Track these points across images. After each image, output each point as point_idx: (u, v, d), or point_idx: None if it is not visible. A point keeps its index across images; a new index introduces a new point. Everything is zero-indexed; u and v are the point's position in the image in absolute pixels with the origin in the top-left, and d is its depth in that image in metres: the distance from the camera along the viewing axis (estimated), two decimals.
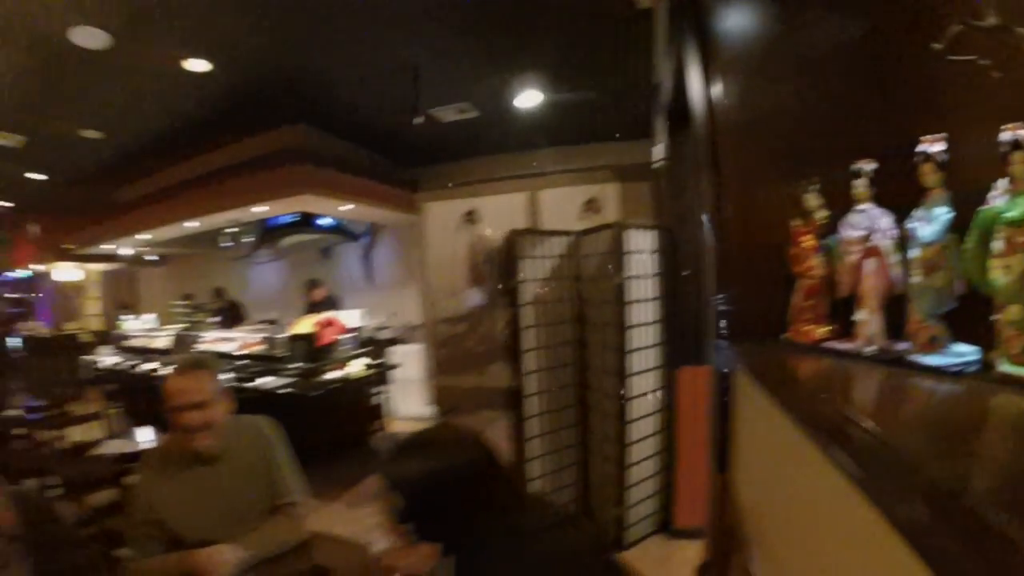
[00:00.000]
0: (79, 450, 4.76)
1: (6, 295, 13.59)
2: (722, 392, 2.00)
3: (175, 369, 2.24)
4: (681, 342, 3.71)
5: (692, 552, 2.93)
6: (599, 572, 1.33)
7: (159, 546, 2.18)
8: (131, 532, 2.22)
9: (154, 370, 7.46)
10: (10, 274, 13.04)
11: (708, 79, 2.16)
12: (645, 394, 3.66)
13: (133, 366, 7.93)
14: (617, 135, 7.60)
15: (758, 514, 1.57)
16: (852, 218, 1.24)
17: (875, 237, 1.17)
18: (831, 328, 1.36)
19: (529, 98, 6.34)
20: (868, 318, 1.17)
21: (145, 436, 4.84)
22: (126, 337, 9.00)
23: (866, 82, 1.30)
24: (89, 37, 4.39)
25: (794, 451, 1.03)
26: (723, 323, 1.94)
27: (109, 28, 4.26)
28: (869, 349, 1.15)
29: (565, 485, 4.05)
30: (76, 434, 5.61)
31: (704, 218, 2.25)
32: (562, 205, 7.34)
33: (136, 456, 4.06)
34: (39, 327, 12.41)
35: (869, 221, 1.19)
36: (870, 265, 1.18)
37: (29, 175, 8.48)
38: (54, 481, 4.16)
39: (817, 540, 1.00)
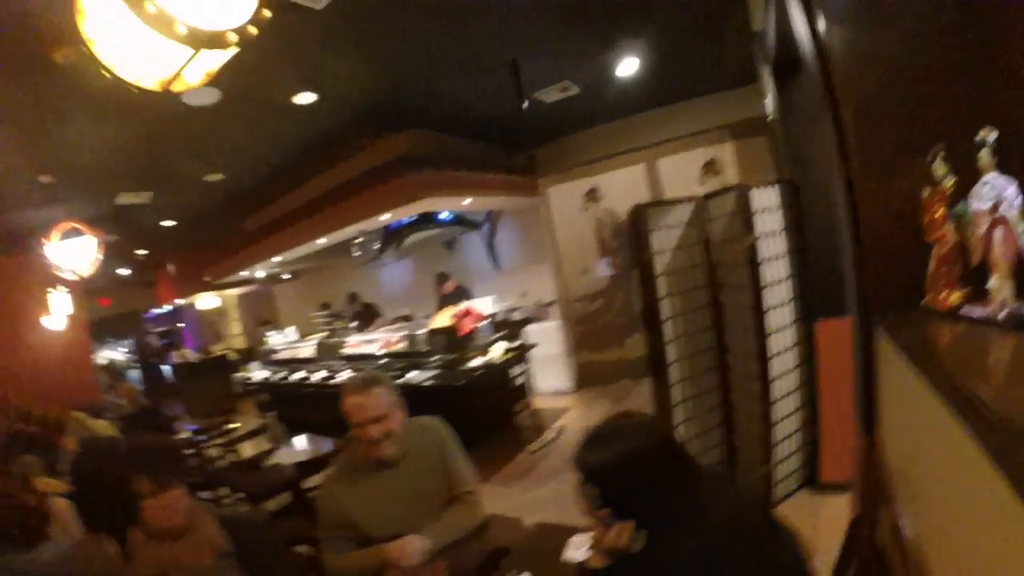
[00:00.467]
0: (254, 463, 5.44)
1: (155, 330, 15.13)
2: (865, 354, 2.02)
3: (352, 389, 2.53)
4: (816, 296, 3.77)
5: (840, 506, 2.90)
6: (765, 531, 1.46)
7: (351, 544, 2.52)
8: (324, 534, 2.57)
9: (304, 379, 8.21)
10: (155, 311, 14.46)
11: (814, 27, 2.07)
12: (785, 351, 3.74)
13: (283, 377, 8.69)
14: (724, 86, 7.54)
15: (905, 473, 1.58)
16: (978, 190, 1.31)
17: (1002, 207, 1.24)
18: (965, 293, 1.40)
19: (628, 66, 6.40)
20: (1000, 285, 1.24)
21: (304, 443, 5.46)
22: (272, 351, 9.84)
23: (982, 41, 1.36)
24: (202, 97, 4.81)
25: (937, 418, 1.08)
26: (857, 283, 1.95)
27: (219, 85, 4.63)
28: (1003, 315, 1.20)
29: (712, 447, 4.19)
30: (246, 449, 6.40)
31: (829, 175, 2.31)
32: (681, 171, 7.40)
33: (309, 464, 4.70)
34: (188, 353, 13.78)
35: (995, 191, 1.26)
36: (999, 234, 1.25)
37: (162, 223, 9.35)
38: (230, 492, 4.85)
39: (962, 504, 1.06)
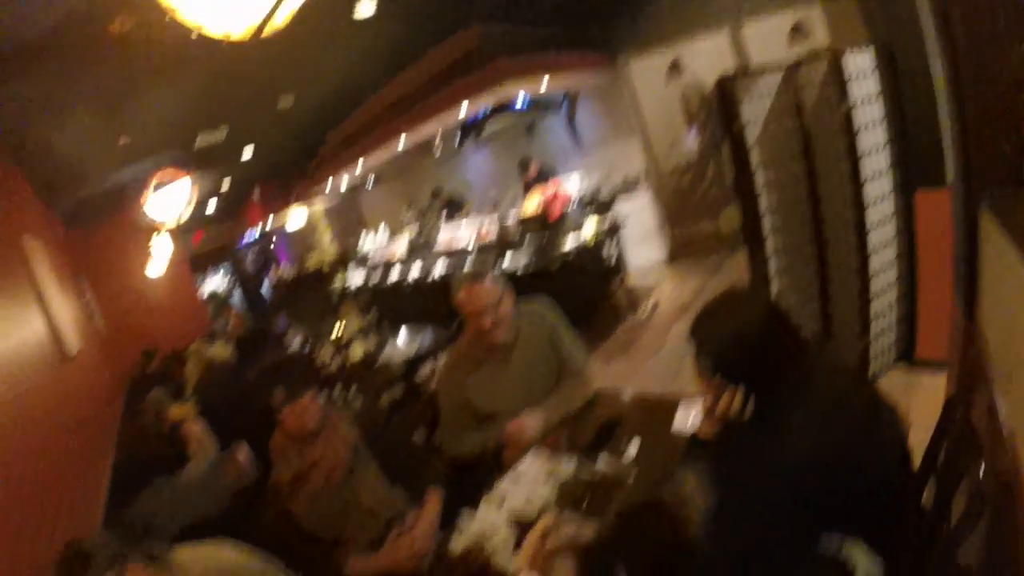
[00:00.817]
0: (366, 362, 5.84)
1: (249, 255, 15.87)
2: (966, 231, 1.94)
3: (463, 282, 2.75)
4: (915, 165, 3.63)
5: (935, 384, 2.94)
6: (869, 403, 1.53)
7: (470, 427, 2.82)
8: (445, 419, 2.88)
9: (400, 278, 8.58)
10: (246, 237, 15.09)
11: None
12: (883, 222, 3.66)
13: (381, 279, 9.11)
14: None
15: (1003, 356, 1.56)
16: None
17: None
18: None
19: None
20: None
21: (409, 338, 5.80)
22: (366, 256, 10.20)
23: None
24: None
25: None
26: (961, 158, 1.88)
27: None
28: None
29: (808, 320, 4.15)
30: (356, 351, 6.82)
31: (927, 35, 2.18)
32: (767, 37, 6.99)
33: (416, 358, 5.02)
34: (284, 270, 14.48)
35: None
36: None
37: (242, 155, 9.62)
38: (347, 392, 5.23)
39: None
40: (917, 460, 1.67)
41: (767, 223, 4.02)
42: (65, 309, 4.72)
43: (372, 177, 12.80)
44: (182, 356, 7.39)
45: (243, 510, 3.39)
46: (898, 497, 1.50)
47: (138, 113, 5.45)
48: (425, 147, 10.14)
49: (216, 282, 14.52)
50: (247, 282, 14.63)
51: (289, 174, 11.68)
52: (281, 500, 2.38)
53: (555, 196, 6.99)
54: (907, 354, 3.87)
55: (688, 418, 2.43)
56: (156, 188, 5.33)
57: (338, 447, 2.45)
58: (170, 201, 5.34)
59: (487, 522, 2.17)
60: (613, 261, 6.94)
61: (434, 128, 8.87)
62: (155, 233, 8.16)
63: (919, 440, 1.70)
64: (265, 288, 14.34)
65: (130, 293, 8.51)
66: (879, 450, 1.29)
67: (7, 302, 3.42)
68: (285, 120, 8.48)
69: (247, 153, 9.68)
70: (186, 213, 5.40)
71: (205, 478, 3.39)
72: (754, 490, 1.15)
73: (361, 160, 9.88)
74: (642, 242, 8.10)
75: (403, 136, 8.82)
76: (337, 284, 10.86)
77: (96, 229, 8.17)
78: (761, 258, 4.05)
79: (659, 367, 5.60)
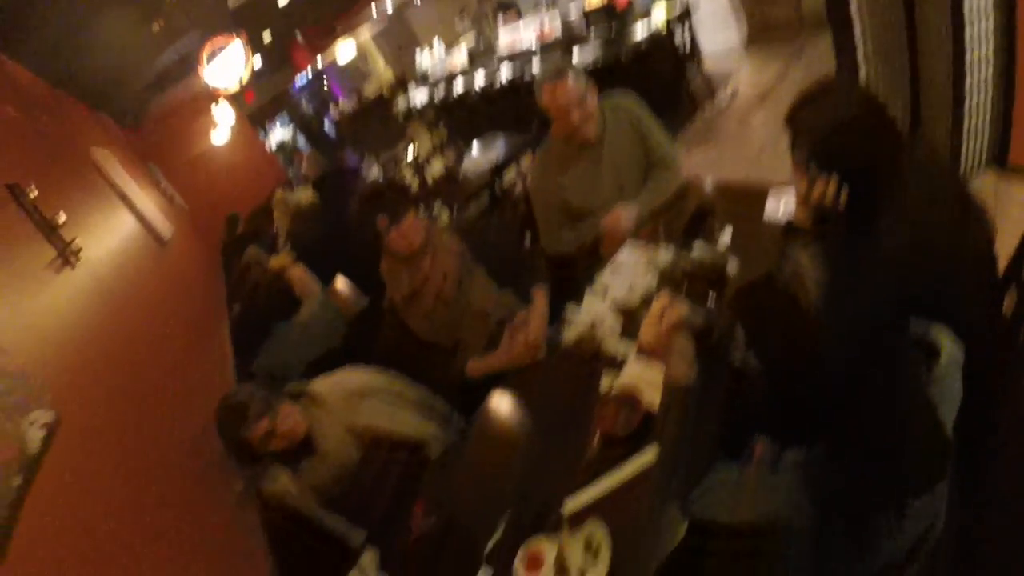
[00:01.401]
0: (448, 176, 5.95)
1: (304, 97, 15.71)
2: None
3: (546, 80, 2.74)
4: None
5: None
6: (962, 201, 1.50)
7: (566, 224, 2.94)
8: (541, 219, 3.01)
9: (466, 89, 8.45)
10: (298, 82, 14.86)
11: None
12: (982, 13, 3.25)
13: (445, 93, 8.98)
14: None
15: None
16: None
17: None
18: None
19: None
20: None
21: (484, 147, 5.86)
22: (425, 73, 9.98)
23: None
24: None
25: None
26: None
27: None
28: None
29: (898, 112, 3.83)
30: (435, 168, 6.91)
31: None
32: None
33: (497, 166, 5.07)
34: (343, 105, 14.42)
35: None
36: None
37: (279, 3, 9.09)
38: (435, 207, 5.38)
39: None
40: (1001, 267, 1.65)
41: (854, 4, 3.64)
42: (148, 202, 5.00)
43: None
44: (267, 208, 7.73)
45: (361, 336, 3.72)
46: (982, 296, 1.52)
47: None
48: None
49: (279, 134, 14.61)
50: (308, 125, 14.67)
51: (330, 12, 11.21)
52: (399, 317, 2.59)
53: None
54: (1000, 158, 3.61)
55: (779, 206, 2.45)
56: (210, 58, 5.32)
57: (446, 259, 2.59)
58: (227, 66, 5.35)
59: (594, 311, 2.33)
60: (687, 48, 6.61)
61: None
62: (213, 103, 8.24)
63: (1004, 248, 1.67)
64: (328, 127, 14.37)
65: (201, 167, 8.76)
66: (967, 245, 1.29)
67: (97, 212, 3.65)
68: None
69: (283, 1, 9.32)
70: (246, 74, 5.40)
71: (319, 315, 3.68)
72: (856, 272, 1.18)
73: None
74: (716, 26, 7.57)
75: None
76: (401, 106, 10.79)
77: (153, 119, 8.29)
78: (848, 43, 3.73)
79: (742, 154, 5.50)
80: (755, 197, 2.58)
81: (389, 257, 2.61)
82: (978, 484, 1.33)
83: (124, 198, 4.23)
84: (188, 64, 6.51)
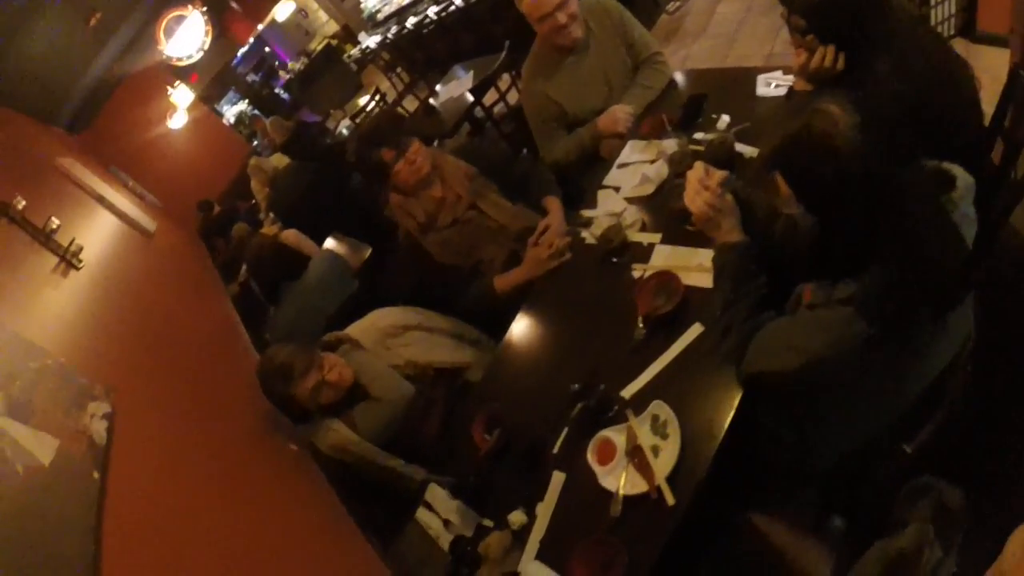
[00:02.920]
0: (428, 110, 5.84)
1: (247, 70, 15.26)
2: None
3: None
4: None
5: (996, 58, 2.85)
6: (947, 56, 1.69)
7: (563, 130, 2.94)
8: (542, 129, 2.99)
9: (422, 19, 8.17)
10: (239, 53, 14.37)
11: None
12: None
13: (400, 30, 8.73)
14: None
15: None
16: None
17: None
18: None
19: None
20: None
21: (460, 74, 5.74)
22: (375, 13, 9.78)
23: None
24: None
25: None
26: None
27: None
28: None
29: None
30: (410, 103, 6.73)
31: None
32: None
33: (478, 87, 5.00)
34: (292, 65, 14.07)
35: None
36: None
37: None
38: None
39: None
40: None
41: None
42: (124, 200, 4.91)
43: None
44: (239, 186, 7.62)
45: (374, 281, 3.74)
46: (978, 137, 1.70)
47: None
48: None
49: (233, 108, 14.27)
50: (259, 96, 14.31)
51: None
52: (417, 249, 2.59)
53: None
54: (967, 29, 3.63)
55: (770, 83, 2.51)
56: (167, 32, 5.16)
57: (456, 181, 2.59)
58: (187, 37, 5.20)
59: (612, 206, 2.36)
60: None
61: None
62: (167, 87, 7.99)
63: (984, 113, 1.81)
64: (279, 92, 14.05)
65: (164, 158, 8.44)
66: (959, 89, 1.42)
67: (82, 216, 3.61)
68: None
69: None
70: (207, 43, 5.26)
71: (328, 268, 3.68)
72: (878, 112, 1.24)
73: None
74: None
75: None
76: (353, 54, 10.56)
77: (106, 120, 8.00)
78: None
79: (712, 46, 5.49)
80: (743, 80, 2.66)
81: (396, 191, 2.60)
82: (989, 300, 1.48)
83: (102, 200, 4.18)
84: (132, 55, 6.31)
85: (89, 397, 1.57)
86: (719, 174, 1.59)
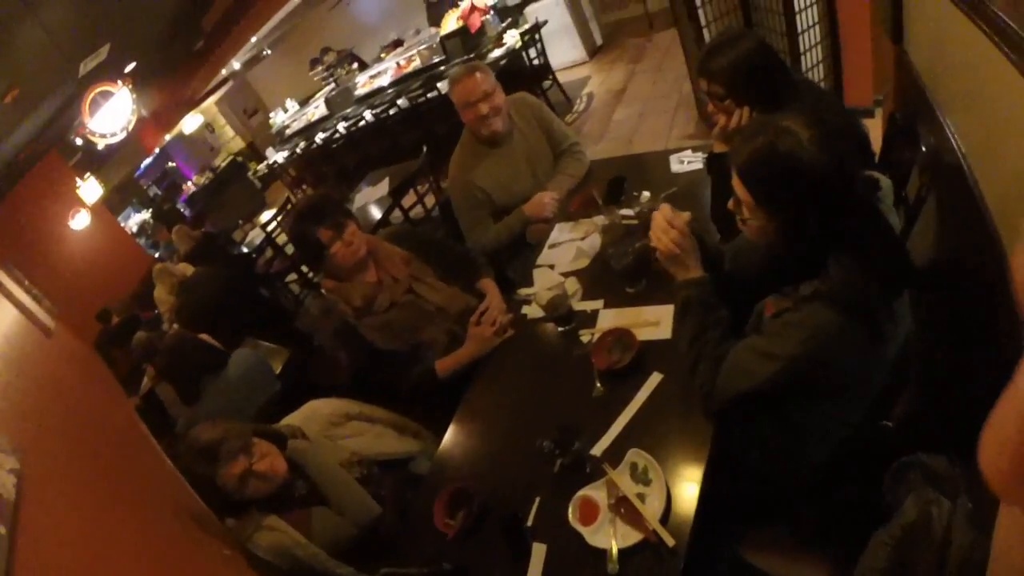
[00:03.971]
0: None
1: (150, 183, 14.90)
2: None
3: (459, 76, 2.86)
4: None
5: (869, 126, 3.27)
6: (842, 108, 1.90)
7: (490, 219, 3.02)
8: (470, 218, 3.04)
9: (330, 136, 8.28)
10: (143, 165, 14.05)
11: None
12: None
13: (308, 146, 8.76)
14: None
15: (936, 82, 1.93)
16: None
17: None
18: None
19: None
20: None
21: (371, 182, 5.76)
22: (283, 130, 9.78)
23: None
24: None
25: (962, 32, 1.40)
26: None
27: None
28: None
29: None
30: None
31: None
32: None
33: (396, 190, 5.03)
34: (196, 179, 13.81)
35: None
36: None
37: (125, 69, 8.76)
38: None
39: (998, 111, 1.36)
40: None
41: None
42: (24, 295, 4.57)
43: (266, 48, 12.01)
44: (140, 296, 7.25)
45: (298, 381, 3.55)
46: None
47: (14, 60, 4.89)
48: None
49: (136, 218, 13.76)
50: (160, 209, 13.92)
51: (176, 80, 10.71)
52: (353, 333, 2.42)
53: (472, 8, 6.87)
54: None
55: (682, 160, 2.73)
56: (92, 108, 4.94)
57: (392, 264, 2.51)
58: (114, 114, 4.98)
59: (550, 281, 2.35)
60: (541, 60, 6.92)
61: None
62: (75, 180, 7.66)
63: None
64: (181, 207, 13.68)
65: (63, 261, 8.01)
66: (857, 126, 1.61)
67: None
68: (162, 18, 7.67)
69: (129, 68, 8.79)
70: (132, 121, 5.05)
71: (251, 365, 3.46)
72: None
73: (253, 31, 9.09)
74: (563, 40, 8.02)
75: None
76: (260, 169, 10.54)
77: (4, 209, 7.57)
78: (696, 31, 4.34)
79: (610, 148, 5.85)
80: (656, 161, 2.89)
81: (329, 277, 2.49)
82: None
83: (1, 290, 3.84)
84: (40, 143, 6.00)
85: None
86: (684, 215, 1.65)
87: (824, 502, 1.72)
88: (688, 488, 1.47)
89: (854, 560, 1.28)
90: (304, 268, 6.71)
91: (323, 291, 2.55)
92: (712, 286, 1.62)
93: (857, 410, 1.56)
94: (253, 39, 9.58)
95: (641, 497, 1.48)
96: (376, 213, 5.14)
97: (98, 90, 4.80)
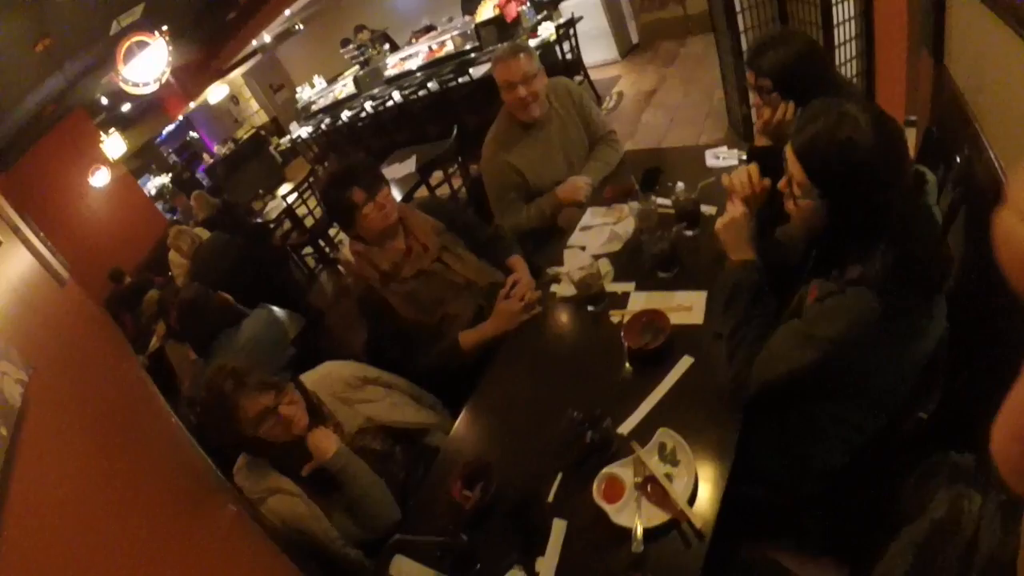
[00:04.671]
0: None
1: (170, 150, 14.89)
2: None
3: (502, 56, 2.83)
4: None
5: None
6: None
7: (524, 200, 2.98)
8: (502, 198, 3.00)
9: (356, 115, 8.24)
10: (165, 131, 14.02)
11: None
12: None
13: (332, 123, 8.72)
14: None
15: (979, 98, 1.89)
16: None
17: None
18: None
19: None
20: None
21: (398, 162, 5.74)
22: (309, 106, 9.76)
23: None
24: None
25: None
26: None
27: None
28: None
29: None
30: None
31: None
32: None
33: (424, 167, 5.00)
34: (217, 149, 13.81)
35: None
36: None
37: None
38: None
39: None
40: None
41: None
42: (39, 244, 4.56)
43: (299, 25, 11.98)
44: (155, 260, 7.23)
45: (311, 349, 3.50)
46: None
47: (46, 9, 4.87)
48: None
49: (155, 181, 13.74)
50: (179, 177, 13.89)
51: (208, 48, 10.70)
52: (376, 299, 2.39)
53: None
54: None
55: (717, 156, 2.71)
56: (127, 57, 4.91)
57: (423, 232, 2.46)
58: (148, 64, 4.94)
59: (580, 261, 2.31)
60: (573, 55, 6.86)
61: None
62: (108, 131, 7.62)
63: None
64: (200, 176, 13.68)
65: (79, 218, 7.95)
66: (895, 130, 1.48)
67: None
68: None
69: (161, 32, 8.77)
70: (166, 72, 5.01)
71: (265, 327, 3.40)
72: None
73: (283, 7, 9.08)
74: (596, 38, 7.96)
75: None
76: (283, 142, 10.50)
77: (26, 162, 7.53)
78: (734, 36, 4.27)
79: (637, 148, 5.77)
80: (693, 156, 2.86)
81: (357, 240, 2.45)
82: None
83: (20, 235, 3.82)
84: (68, 98, 5.96)
85: (3, 356, 1.37)
86: (764, 181, 1.71)
87: (838, 509, 1.70)
88: (715, 473, 1.44)
89: (867, 566, 1.25)
90: (322, 243, 6.71)
91: (350, 253, 2.50)
92: (763, 272, 1.61)
93: (880, 416, 1.54)
94: (287, 12, 9.54)
95: (669, 478, 1.44)
96: (400, 191, 5.10)
97: (135, 39, 4.74)
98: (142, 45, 4.77)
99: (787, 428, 1.62)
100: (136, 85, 4.76)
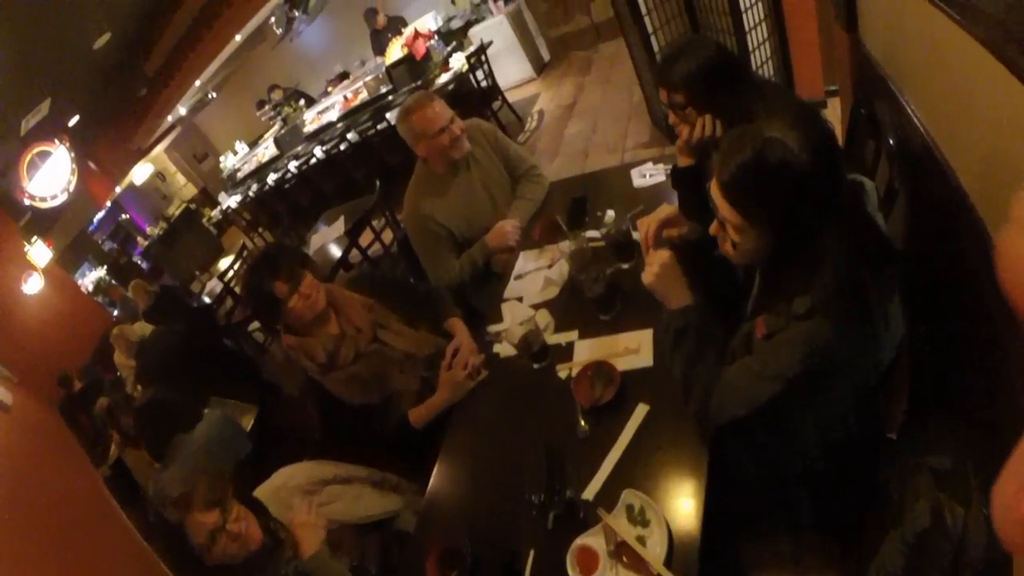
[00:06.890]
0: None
1: (104, 237, 14.52)
2: None
3: (416, 106, 2.73)
4: None
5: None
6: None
7: (453, 252, 2.92)
8: (428, 252, 2.94)
9: (282, 176, 8.17)
10: (96, 219, 13.67)
11: None
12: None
13: (260, 188, 8.64)
14: None
15: (894, 63, 1.89)
16: None
17: None
18: None
19: None
20: None
21: (327, 223, 5.65)
22: (234, 174, 9.62)
23: None
24: None
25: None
26: None
27: None
28: None
29: None
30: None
31: None
32: None
33: (353, 229, 4.93)
34: (150, 231, 13.51)
35: None
36: None
37: (69, 125, 8.54)
38: None
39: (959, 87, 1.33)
40: None
41: (642, 3, 4.19)
42: None
43: (212, 90, 11.82)
44: (101, 356, 6.98)
45: (269, 441, 3.42)
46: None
47: None
48: (259, 34, 9.53)
49: (91, 276, 13.34)
50: (116, 263, 13.53)
51: (122, 129, 10.46)
52: (320, 392, 2.31)
53: (416, 35, 6.84)
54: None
55: (644, 174, 2.69)
56: (30, 170, 4.73)
57: (354, 313, 2.38)
58: (52, 175, 4.78)
59: (520, 315, 2.27)
60: (489, 82, 6.89)
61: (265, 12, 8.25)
62: (32, 239, 7.37)
63: None
64: (137, 259, 13.35)
65: (18, 326, 7.68)
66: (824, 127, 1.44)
67: None
68: (104, 64, 7.39)
69: (73, 122, 8.57)
70: (72, 182, 4.85)
71: (217, 428, 3.32)
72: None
73: (198, 73, 8.97)
74: (509, 59, 8.04)
75: (234, 32, 8.13)
76: (214, 215, 10.36)
77: None
78: (644, 37, 4.29)
79: (565, 163, 5.86)
80: (613, 179, 2.86)
81: (289, 332, 2.35)
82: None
83: None
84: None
85: None
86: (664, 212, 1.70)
87: (824, 503, 1.67)
88: (689, 522, 1.41)
89: (860, 561, 1.25)
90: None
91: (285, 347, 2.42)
92: (705, 309, 1.54)
93: (852, 408, 1.51)
94: (197, 83, 9.43)
95: (641, 540, 1.40)
96: (335, 252, 5.02)
97: (36, 151, 4.61)
98: (44, 156, 4.63)
99: (757, 441, 1.59)
100: (44, 200, 4.61)
